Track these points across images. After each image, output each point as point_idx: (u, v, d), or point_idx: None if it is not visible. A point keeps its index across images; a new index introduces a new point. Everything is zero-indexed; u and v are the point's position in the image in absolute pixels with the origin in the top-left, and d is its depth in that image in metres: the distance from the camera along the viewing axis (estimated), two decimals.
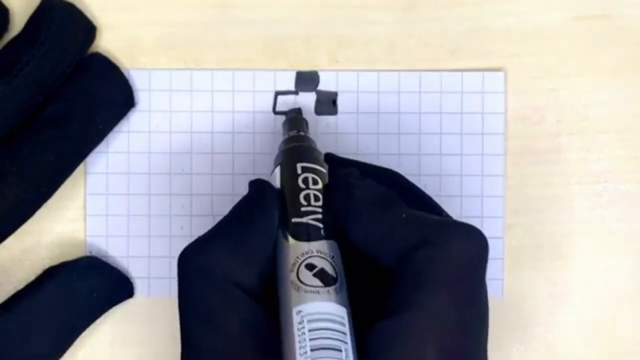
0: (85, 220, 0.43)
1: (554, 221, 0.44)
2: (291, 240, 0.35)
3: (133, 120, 0.43)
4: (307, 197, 0.36)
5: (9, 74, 0.39)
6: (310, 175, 0.37)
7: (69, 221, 0.43)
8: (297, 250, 0.35)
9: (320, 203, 0.36)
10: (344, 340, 0.33)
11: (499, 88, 0.44)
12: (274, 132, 0.43)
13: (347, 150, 0.43)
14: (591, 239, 0.44)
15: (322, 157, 0.39)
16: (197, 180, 0.43)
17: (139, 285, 0.43)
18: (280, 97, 0.43)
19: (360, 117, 0.43)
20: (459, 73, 0.44)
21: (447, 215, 0.38)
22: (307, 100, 0.43)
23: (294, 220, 0.36)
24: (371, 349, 0.33)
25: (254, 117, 0.43)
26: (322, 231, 0.36)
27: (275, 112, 0.43)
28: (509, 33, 0.44)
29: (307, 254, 0.35)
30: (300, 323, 0.33)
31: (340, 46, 0.44)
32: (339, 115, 0.43)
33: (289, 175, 0.37)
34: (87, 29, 0.42)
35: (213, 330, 0.34)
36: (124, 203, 0.43)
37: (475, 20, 0.44)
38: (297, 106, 0.43)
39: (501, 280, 0.44)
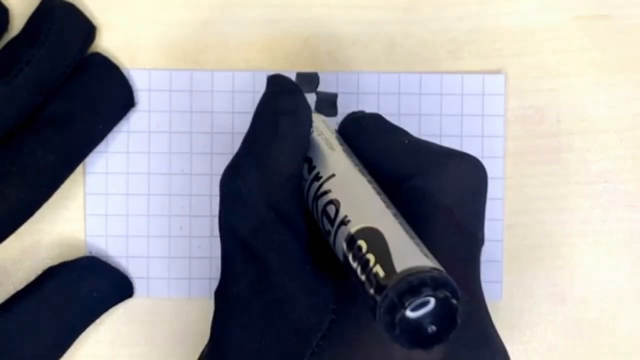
0: (84, 220, 0.43)
1: (554, 221, 0.44)
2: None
3: (133, 120, 0.43)
4: None
5: (8, 73, 0.39)
6: None
7: (69, 221, 0.43)
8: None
9: None
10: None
11: (499, 90, 0.44)
12: None
13: None
14: (591, 239, 0.44)
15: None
16: (196, 180, 0.43)
17: (138, 286, 0.43)
18: None
19: None
20: (459, 75, 0.44)
21: None
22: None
23: None
24: None
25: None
26: None
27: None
28: (509, 33, 0.44)
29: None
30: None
31: (340, 46, 0.44)
32: (339, 115, 0.43)
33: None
34: (87, 29, 0.42)
35: (250, 254, 0.33)
36: (124, 203, 0.43)
37: (475, 20, 0.44)
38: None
39: (500, 281, 0.44)
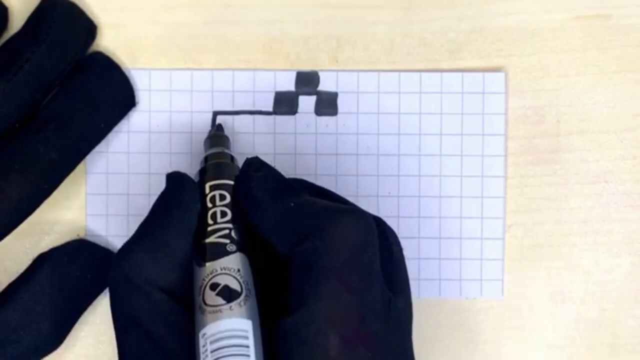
0: (85, 220, 0.43)
1: (554, 221, 0.44)
2: (198, 264, 0.36)
3: (133, 120, 0.43)
4: (213, 215, 0.37)
5: (9, 71, 0.39)
6: (217, 192, 0.38)
7: (69, 221, 0.43)
8: (203, 272, 0.36)
9: (227, 218, 0.37)
10: (246, 353, 0.33)
11: (499, 89, 0.44)
12: (274, 132, 0.43)
13: (347, 150, 0.43)
14: (591, 239, 0.44)
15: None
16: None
17: None
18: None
19: (360, 117, 0.43)
20: (460, 73, 0.44)
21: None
22: (307, 101, 0.43)
23: (202, 242, 0.36)
24: (278, 349, 0.34)
25: (254, 118, 0.43)
26: (228, 246, 0.36)
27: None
28: (509, 33, 0.44)
29: (211, 274, 0.35)
30: (204, 346, 0.34)
31: (340, 46, 0.44)
32: (339, 115, 0.43)
33: (201, 197, 0.38)
34: (88, 28, 0.43)
35: (140, 335, 0.34)
36: (124, 203, 0.43)
37: (475, 20, 0.44)
38: (218, 123, 0.43)
39: (501, 281, 0.44)
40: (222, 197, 0.37)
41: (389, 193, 0.43)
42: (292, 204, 0.36)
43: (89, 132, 0.41)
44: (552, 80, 0.44)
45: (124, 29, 0.43)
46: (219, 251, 0.36)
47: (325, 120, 0.43)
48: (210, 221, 0.37)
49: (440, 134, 0.44)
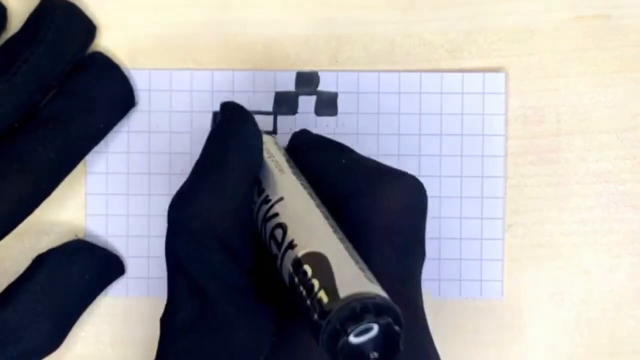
0: (85, 220, 0.43)
1: (554, 221, 0.44)
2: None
3: (133, 120, 0.43)
4: None
5: (7, 71, 0.39)
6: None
7: (69, 221, 0.43)
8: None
9: None
10: None
11: (499, 89, 0.44)
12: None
13: None
14: (591, 239, 0.44)
15: None
16: None
17: (138, 286, 0.43)
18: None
19: (360, 117, 0.43)
20: (460, 74, 0.44)
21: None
22: (307, 101, 0.43)
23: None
24: None
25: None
26: None
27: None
28: (509, 33, 0.44)
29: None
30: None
31: (340, 46, 0.44)
32: (339, 115, 0.43)
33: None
34: (88, 28, 0.43)
35: (193, 283, 0.33)
36: (124, 203, 0.43)
37: (475, 20, 0.44)
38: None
39: (500, 281, 0.44)
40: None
41: None
42: (344, 160, 0.36)
43: (88, 132, 0.41)
44: (552, 80, 0.44)
45: (124, 29, 0.43)
46: None
47: (325, 120, 0.43)
48: None
49: (440, 134, 0.44)
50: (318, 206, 0.34)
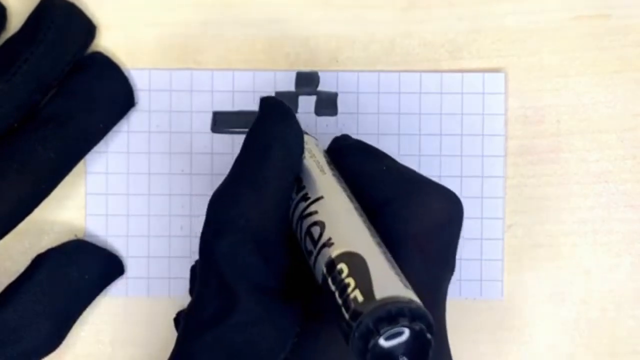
0: (84, 220, 0.43)
1: (554, 221, 0.44)
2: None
3: (133, 120, 0.43)
4: None
5: (7, 71, 0.40)
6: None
7: (69, 221, 0.43)
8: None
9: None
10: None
11: (499, 89, 0.44)
12: None
13: None
14: (591, 239, 0.44)
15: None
16: (196, 180, 0.43)
17: (138, 286, 0.43)
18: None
19: (360, 117, 0.43)
20: (459, 74, 0.44)
21: None
22: (307, 101, 0.43)
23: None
24: None
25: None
26: None
27: None
28: (509, 33, 0.44)
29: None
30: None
31: (340, 46, 0.44)
32: (339, 115, 0.43)
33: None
34: (87, 28, 0.43)
35: (222, 279, 0.33)
36: (124, 203, 0.43)
37: (475, 20, 0.44)
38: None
39: (501, 281, 0.44)
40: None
41: None
42: (385, 167, 0.36)
43: (88, 132, 0.41)
44: (552, 80, 0.44)
45: (124, 29, 0.43)
46: None
47: (325, 120, 0.43)
48: None
49: (440, 135, 0.44)
50: (356, 209, 0.34)
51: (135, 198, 0.43)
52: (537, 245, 0.44)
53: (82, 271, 0.42)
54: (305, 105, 0.43)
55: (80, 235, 0.43)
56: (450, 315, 0.44)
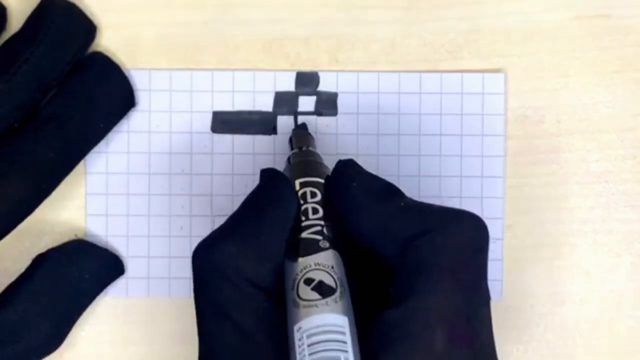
0: (85, 220, 0.43)
1: (554, 221, 0.44)
2: (291, 259, 0.36)
3: (133, 120, 0.43)
4: (305, 212, 0.37)
5: (7, 71, 0.39)
6: (308, 189, 0.37)
7: (69, 221, 0.43)
8: (296, 267, 0.35)
9: (319, 215, 0.37)
10: (344, 349, 0.33)
11: (499, 89, 0.44)
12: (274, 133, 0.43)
13: (346, 150, 0.43)
14: (591, 239, 0.44)
15: (328, 170, 0.39)
16: (196, 180, 0.43)
17: (138, 286, 0.43)
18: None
19: (360, 117, 0.43)
20: (459, 74, 0.44)
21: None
22: (307, 101, 0.43)
23: (295, 237, 0.36)
24: (377, 340, 0.33)
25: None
26: (320, 243, 0.36)
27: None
28: (509, 33, 0.44)
29: (305, 269, 0.35)
30: (300, 340, 0.33)
31: (340, 46, 0.44)
32: (339, 115, 0.43)
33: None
34: (88, 28, 0.43)
35: (228, 326, 0.34)
36: (124, 203, 0.43)
37: (475, 20, 0.44)
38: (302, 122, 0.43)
39: (500, 281, 0.44)
40: (313, 194, 0.37)
41: None
42: (402, 204, 0.36)
43: (88, 132, 0.41)
44: (552, 80, 0.44)
45: (124, 29, 0.43)
46: (313, 247, 0.36)
47: (325, 120, 0.43)
48: (302, 217, 0.37)
49: (440, 135, 0.44)
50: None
51: (135, 198, 0.43)
52: (537, 245, 0.44)
53: (82, 271, 0.42)
54: (305, 105, 0.43)
55: (80, 235, 0.43)
56: None
